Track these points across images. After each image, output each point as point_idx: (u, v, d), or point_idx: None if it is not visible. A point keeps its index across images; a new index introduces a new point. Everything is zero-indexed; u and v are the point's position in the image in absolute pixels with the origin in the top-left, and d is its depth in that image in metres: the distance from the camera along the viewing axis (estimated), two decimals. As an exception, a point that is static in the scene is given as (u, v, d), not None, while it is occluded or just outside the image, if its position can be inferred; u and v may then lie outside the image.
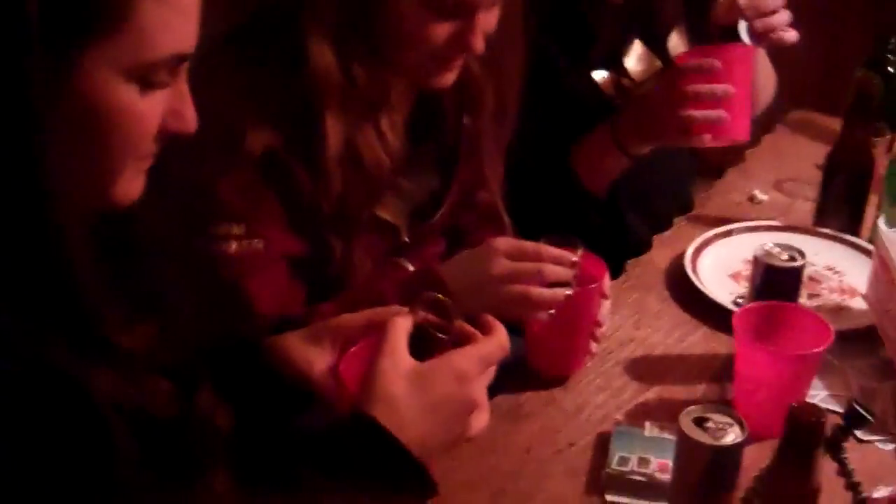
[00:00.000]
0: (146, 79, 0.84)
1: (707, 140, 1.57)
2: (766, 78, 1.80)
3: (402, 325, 1.01)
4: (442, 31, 1.27)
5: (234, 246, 1.28)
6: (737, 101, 1.55)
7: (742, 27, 1.59)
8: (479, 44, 1.29)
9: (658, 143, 1.65)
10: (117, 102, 0.83)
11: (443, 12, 1.26)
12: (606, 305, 1.40)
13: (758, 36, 1.60)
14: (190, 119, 0.90)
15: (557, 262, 1.28)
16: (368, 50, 1.29)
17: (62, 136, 0.80)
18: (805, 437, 0.86)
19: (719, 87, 1.54)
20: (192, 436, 1.00)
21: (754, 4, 1.59)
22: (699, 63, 1.55)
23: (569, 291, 1.29)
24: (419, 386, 0.97)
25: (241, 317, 1.26)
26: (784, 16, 1.61)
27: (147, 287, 0.99)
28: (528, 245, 1.30)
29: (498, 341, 1.02)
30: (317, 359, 1.09)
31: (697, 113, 1.55)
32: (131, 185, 0.91)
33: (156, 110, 0.87)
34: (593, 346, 1.40)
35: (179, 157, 0.98)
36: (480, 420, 1.01)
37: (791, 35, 1.62)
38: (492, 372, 1.02)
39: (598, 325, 1.39)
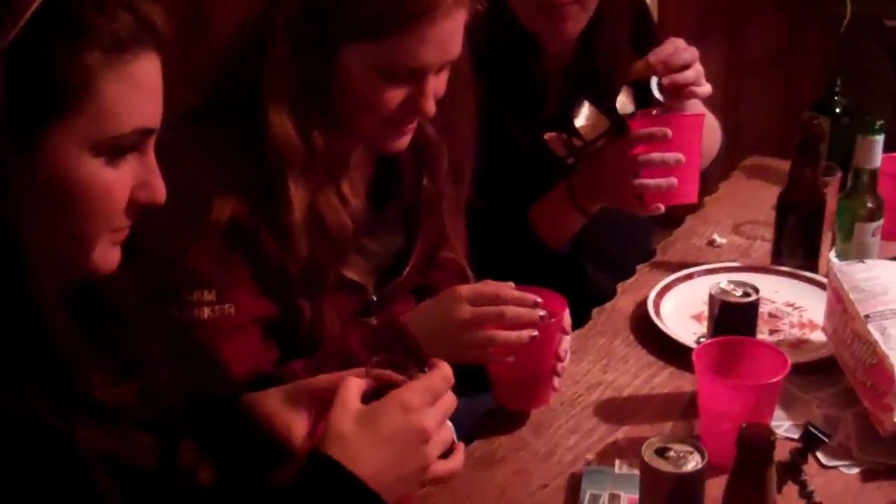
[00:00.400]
0: (112, 152, 0.89)
1: (658, 207, 1.63)
2: (712, 133, 1.86)
3: (353, 380, 1.05)
4: (394, 96, 1.32)
5: (206, 312, 1.31)
6: (686, 166, 1.61)
7: (653, 83, 1.65)
8: (430, 107, 1.34)
9: (611, 205, 1.71)
10: (84, 176, 0.88)
11: (394, 79, 1.31)
12: (567, 341, 1.43)
13: (669, 91, 1.66)
14: (159, 190, 0.94)
15: (519, 303, 1.33)
16: (325, 117, 1.34)
17: (34, 209, 0.84)
18: (756, 456, 0.90)
19: (671, 156, 1.60)
20: (175, 488, 1.03)
21: (664, 61, 1.64)
22: (651, 132, 1.60)
23: (534, 333, 1.33)
24: (368, 422, 1.00)
25: (216, 379, 1.29)
26: (693, 72, 1.66)
27: (127, 348, 1.02)
28: (488, 289, 1.35)
29: (441, 374, 1.05)
30: (294, 421, 1.12)
31: (650, 182, 1.61)
32: (107, 256, 0.95)
33: (124, 183, 0.91)
34: (556, 382, 1.43)
35: (150, 228, 1.02)
36: (436, 450, 1.03)
37: (704, 90, 1.68)
38: (446, 404, 1.05)
39: (560, 359, 1.42)
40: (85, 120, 0.86)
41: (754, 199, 2.07)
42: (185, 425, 1.08)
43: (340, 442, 0.99)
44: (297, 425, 1.12)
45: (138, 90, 0.90)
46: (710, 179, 2.06)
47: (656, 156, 1.60)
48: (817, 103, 2.03)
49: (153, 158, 0.95)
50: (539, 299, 1.34)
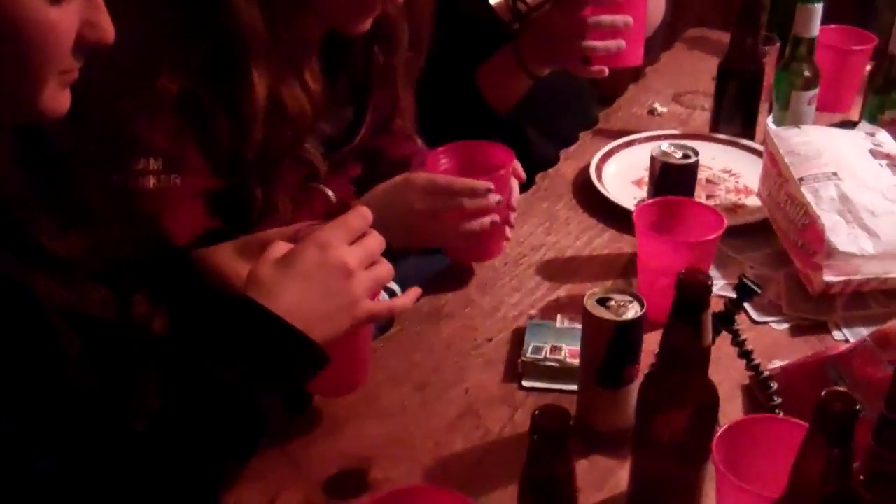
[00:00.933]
0: None
1: (602, 70, 1.66)
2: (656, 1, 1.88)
3: (278, 230, 1.10)
4: None
5: (151, 181, 1.28)
6: (633, 29, 1.63)
7: None
8: None
9: (558, 66, 1.73)
10: (29, 14, 0.85)
11: None
12: (516, 189, 1.46)
13: None
14: (107, 29, 0.92)
15: (472, 194, 1.35)
16: (292, 3, 1.31)
17: None
18: (694, 299, 0.94)
19: (620, 18, 1.62)
20: (129, 338, 1.05)
21: None
22: None
23: (495, 218, 1.36)
24: (286, 264, 1.03)
25: (160, 242, 1.29)
26: None
27: (75, 199, 1.02)
28: (441, 181, 1.36)
29: (358, 212, 1.08)
30: (245, 272, 1.12)
31: (598, 43, 1.62)
32: (57, 99, 0.92)
33: (69, 21, 0.88)
34: (508, 232, 1.47)
35: (96, 89, 1.01)
36: (361, 284, 1.05)
37: None
38: (369, 242, 1.07)
39: (512, 209, 1.45)
40: None
41: (695, 70, 2.10)
42: (137, 278, 1.09)
43: (258, 284, 1.02)
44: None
45: None
46: (654, 48, 2.08)
47: (606, 18, 1.61)
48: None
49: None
50: (491, 185, 1.36)
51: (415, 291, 1.16)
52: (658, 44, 2.02)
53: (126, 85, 1.23)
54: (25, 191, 0.93)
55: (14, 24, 0.85)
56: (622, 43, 1.63)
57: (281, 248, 1.06)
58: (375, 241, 1.08)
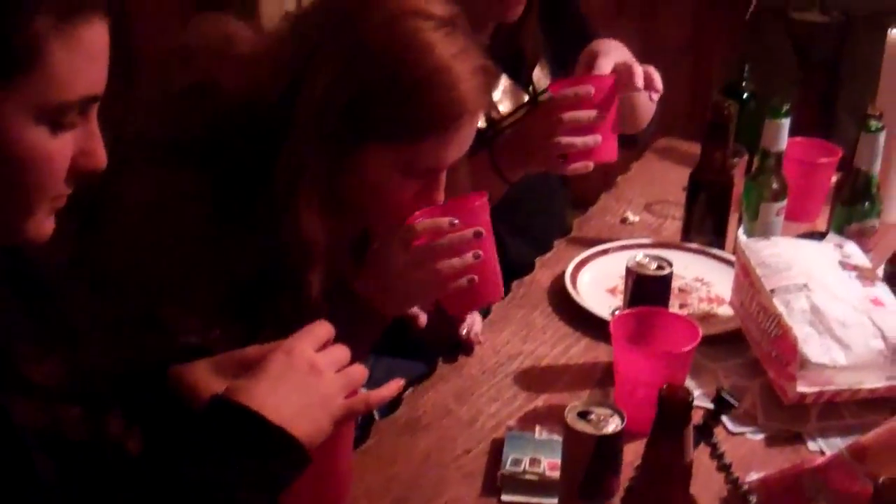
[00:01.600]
0: (56, 121, 0.88)
1: (581, 166, 1.67)
2: (645, 100, 1.92)
3: (254, 349, 1.10)
4: (408, 191, 1.35)
5: (193, 338, 1.27)
6: (606, 124, 1.66)
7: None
8: (441, 198, 1.38)
9: (534, 169, 1.74)
10: (28, 143, 0.86)
11: (412, 176, 1.33)
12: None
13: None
14: (100, 157, 0.93)
15: (436, 230, 1.34)
16: (340, 209, 1.35)
17: None
18: (675, 415, 0.95)
19: (593, 113, 1.64)
20: (104, 459, 1.04)
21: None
22: (576, 90, 1.63)
23: (478, 253, 1.35)
24: (257, 370, 1.03)
25: (155, 344, 1.28)
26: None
27: (56, 321, 1.02)
28: (407, 229, 1.35)
29: (321, 323, 1.10)
30: (220, 388, 1.11)
31: (577, 140, 1.64)
32: (43, 225, 0.93)
33: (66, 151, 0.90)
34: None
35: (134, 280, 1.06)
36: (333, 383, 1.05)
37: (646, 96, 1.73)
38: (335, 351, 1.08)
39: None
40: (32, 86, 0.85)
41: (665, 180, 2.15)
42: (112, 398, 1.09)
43: (234, 390, 1.01)
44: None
45: (87, 57, 0.89)
46: (643, 145, 2.10)
47: (583, 114, 1.63)
48: (726, 87, 2.11)
49: (96, 125, 0.94)
50: (455, 220, 1.34)
51: (396, 383, 1.13)
52: (647, 141, 2.04)
53: (166, 288, 1.25)
54: (6, 314, 0.93)
55: (13, 152, 0.87)
56: (598, 138, 1.66)
57: (247, 351, 1.08)
58: (341, 350, 1.09)
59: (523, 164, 1.74)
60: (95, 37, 0.90)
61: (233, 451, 0.98)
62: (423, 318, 1.49)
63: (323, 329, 1.09)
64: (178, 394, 1.16)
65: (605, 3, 3.46)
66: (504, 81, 1.85)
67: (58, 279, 1.04)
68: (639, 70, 1.66)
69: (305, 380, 1.03)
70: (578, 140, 1.64)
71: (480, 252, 1.35)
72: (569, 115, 1.64)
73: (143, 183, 1.21)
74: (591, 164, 1.67)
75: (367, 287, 1.37)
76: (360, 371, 1.09)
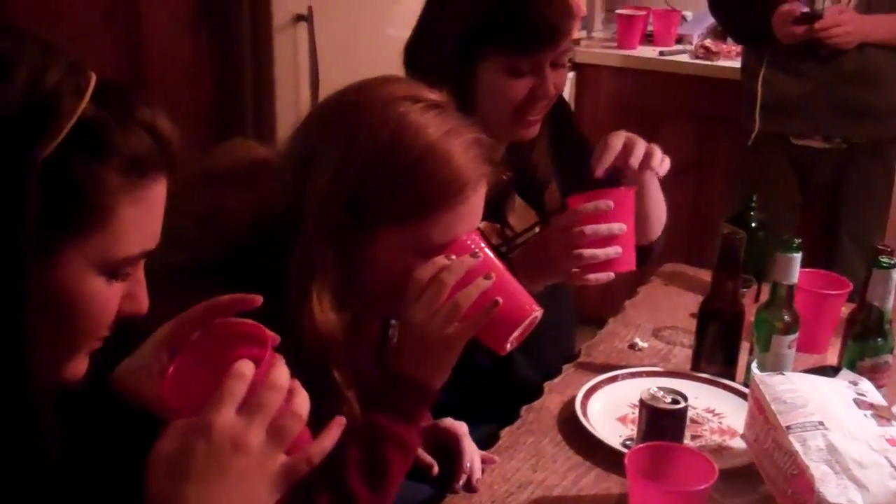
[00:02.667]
0: (114, 272, 0.90)
1: (603, 276, 1.69)
2: (660, 208, 1.94)
3: (161, 331, 1.07)
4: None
5: None
6: (626, 235, 1.69)
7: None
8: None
9: (553, 280, 1.75)
10: (88, 291, 0.88)
11: (426, 255, 1.34)
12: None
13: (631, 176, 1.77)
14: (143, 302, 0.95)
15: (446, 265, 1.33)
16: (356, 300, 1.37)
17: (38, 322, 0.84)
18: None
19: (615, 226, 1.68)
20: None
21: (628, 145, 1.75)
22: (596, 204, 1.67)
23: (490, 276, 1.34)
24: (177, 469, 0.95)
25: None
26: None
27: None
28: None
29: (233, 373, 0.98)
30: (145, 384, 1.09)
31: (599, 251, 1.67)
32: (80, 365, 0.95)
33: (117, 298, 0.92)
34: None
35: None
36: (258, 451, 0.96)
37: (662, 166, 1.79)
38: (266, 396, 0.98)
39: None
40: (100, 239, 0.87)
41: (672, 305, 2.15)
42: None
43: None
44: (148, 387, 1.08)
45: (149, 213, 0.91)
46: (655, 254, 2.12)
47: (604, 227, 1.67)
48: (733, 217, 2.13)
49: (142, 272, 0.96)
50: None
51: (337, 426, 1.04)
52: (659, 251, 2.06)
53: None
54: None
55: (71, 298, 0.88)
56: (619, 249, 1.69)
57: (168, 440, 0.96)
58: (270, 394, 0.98)
59: (544, 277, 1.75)
60: (158, 194, 0.93)
61: None
62: (436, 468, 1.53)
63: (238, 381, 0.97)
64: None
65: (608, 124, 3.51)
66: (517, 200, 1.88)
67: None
68: (657, 152, 1.75)
69: (232, 463, 0.95)
70: (601, 251, 1.67)
71: (493, 276, 1.36)
72: (591, 228, 1.67)
73: (168, 306, 1.21)
74: (612, 274, 1.70)
75: (404, 361, 1.36)
76: (295, 415, 0.99)
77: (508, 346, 1.40)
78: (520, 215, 1.91)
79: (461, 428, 1.65)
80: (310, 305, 1.29)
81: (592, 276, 1.69)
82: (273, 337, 1.05)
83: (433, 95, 1.36)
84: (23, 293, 0.83)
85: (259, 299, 1.08)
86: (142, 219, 0.90)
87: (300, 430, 0.99)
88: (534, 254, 1.77)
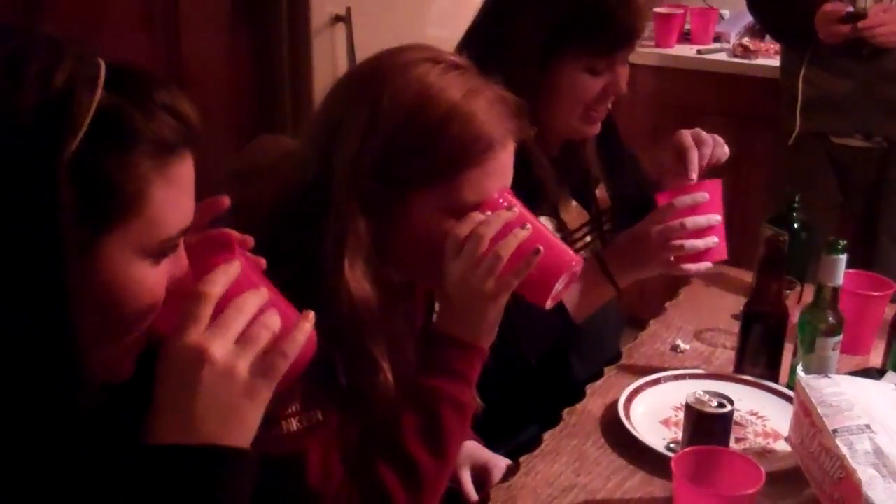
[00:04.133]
0: (158, 254, 0.90)
1: (702, 266, 1.78)
2: None
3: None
4: None
5: (294, 424, 1.29)
6: (719, 226, 1.77)
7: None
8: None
9: (648, 273, 1.81)
10: (135, 277, 0.89)
11: (459, 215, 1.34)
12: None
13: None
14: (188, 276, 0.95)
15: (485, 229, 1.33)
16: (391, 268, 1.38)
17: (86, 314, 0.85)
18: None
19: (713, 217, 1.75)
20: None
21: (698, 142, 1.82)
22: (693, 197, 1.75)
23: (527, 226, 1.35)
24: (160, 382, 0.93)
25: None
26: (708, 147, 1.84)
27: None
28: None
29: (194, 295, 0.94)
30: None
31: (699, 241, 1.74)
32: (128, 365, 0.95)
33: (164, 279, 0.93)
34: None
35: None
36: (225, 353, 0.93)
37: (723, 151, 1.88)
38: (229, 314, 0.94)
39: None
40: (138, 226, 0.88)
41: (713, 307, 2.14)
42: None
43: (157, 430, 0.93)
44: None
45: (181, 191, 0.92)
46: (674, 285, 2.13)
47: (702, 218, 1.74)
48: (775, 217, 2.12)
49: (184, 252, 0.97)
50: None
51: (306, 315, 1.01)
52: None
53: None
54: None
55: (121, 286, 0.88)
56: (716, 239, 1.76)
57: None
58: (236, 314, 0.94)
59: (638, 270, 1.81)
60: (186, 171, 0.93)
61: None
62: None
63: (198, 303, 0.93)
64: None
65: (644, 126, 3.50)
66: (569, 199, 1.92)
67: None
68: (718, 140, 1.87)
69: (185, 366, 0.92)
70: (700, 242, 1.74)
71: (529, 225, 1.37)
72: (691, 220, 1.74)
73: None
74: (709, 264, 1.78)
75: (450, 322, 1.38)
76: (262, 325, 0.95)
77: (550, 300, 1.41)
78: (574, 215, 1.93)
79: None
80: (343, 275, 1.29)
81: (692, 267, 1.77)
82: (239, 238, 1.04)
83: (453, 57, 1.38)
84: (68, 294, 0.83)
85: (227, 201, 1.08)
86: (175, 198, 0.90)
87: (267, 339, 0.95)
88: (630, 247, 1.81)
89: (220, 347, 0.92)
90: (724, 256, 1.79)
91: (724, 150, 1.86)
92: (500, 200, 1.37)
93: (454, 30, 1.87)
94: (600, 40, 1.74)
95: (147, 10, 2.62)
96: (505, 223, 1.34)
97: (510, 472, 1.60)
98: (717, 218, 1.76)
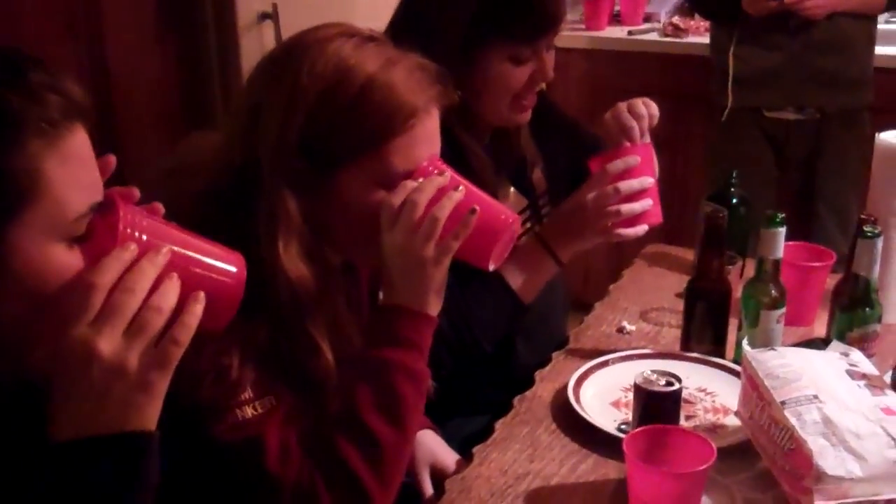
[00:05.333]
0: (73, 233, 0.89)
1: (640, 230, 1.76)
2: None
3: None
4: None
5: (249, 411, 1.28)
6: (652, 189, 1.76)
7: None
8: None
9: (588, 243, 1.79)
10: (51, 260, 0.87)
11: (391, 186, 1.34)
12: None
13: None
14: None
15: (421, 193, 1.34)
16: (327, 246, 1.37)
17: (10, 305, 0.83)
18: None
19: (647, 180, 1.74)
20: None
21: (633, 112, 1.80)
22: (625, 160, 1.74)
23: (460, 188, 1.36)
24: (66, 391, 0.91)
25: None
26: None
27: None
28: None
29: (78, 285, 0.90)
30: None
31: (635, 205, 1.73)
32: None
33: (82, 261, 0.90)
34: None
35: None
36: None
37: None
38: (117, 298, 0.91)
39: None
40: (43, 208, 0.86)
41: (657, 287, 2.15)
42: None
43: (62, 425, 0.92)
44: None
45: (80, 166, 0.90)
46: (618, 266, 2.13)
47: (635, 181, 1.73)
48: (714, 194, 2.13)
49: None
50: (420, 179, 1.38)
51: (195, 297, 0.97)
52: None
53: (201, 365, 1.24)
54: None
55: (39, 273, 0.87)
56: (650, 202, 1.75)
57: None
58: (121, 294, 0.90)
59: (578, 240, 1.79)
60: (81, 144, 0.91)
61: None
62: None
63: (83, 292, 0.89)
64: None
65: (578, 110, 3.50)
66: (507, 186, 1.90)
67: None
68: (649, 103, 1.84)
69: (112, 385, 0.90)
70: (636, 205, 1.73)
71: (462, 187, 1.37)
72: (625, 185, 1.72)
73: None
74: (646, 227, 1.77)
75: (394, 292, 1.37)
76: (153, 308, 0.92)
77: (493, 261, 1.41)
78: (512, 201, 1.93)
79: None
80: (278, 257, 1.29)
81: (630, 231, 1.75)
82: (122, 192, 0.99)
83: (366, 30, 1.38)
84: None
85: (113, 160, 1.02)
86: (75, 175, 0.89)
87: (160, 325, 0.92)
88: (567, 219, 1.79)
89: (108, 342, 0.89)
90: (660, 219, 1.78)
91: (654, 110, 1.84)
92: (430, 168, 1.37)
93: (381, 25, 1.85)
94: (521, 28, 1.73)
95: (68, 18, 2.56)
96: (438, 188, 1.34)
97: (463, 463, 1.59)
98: (650, 180, 1.75)
